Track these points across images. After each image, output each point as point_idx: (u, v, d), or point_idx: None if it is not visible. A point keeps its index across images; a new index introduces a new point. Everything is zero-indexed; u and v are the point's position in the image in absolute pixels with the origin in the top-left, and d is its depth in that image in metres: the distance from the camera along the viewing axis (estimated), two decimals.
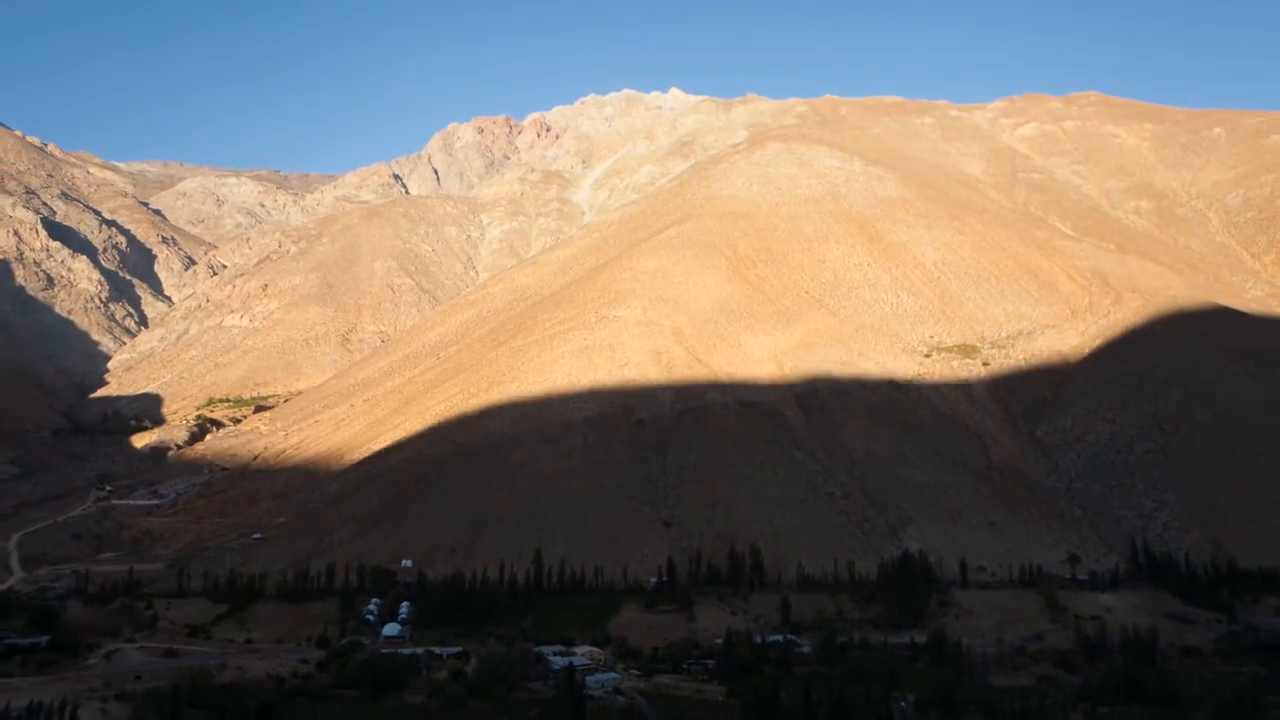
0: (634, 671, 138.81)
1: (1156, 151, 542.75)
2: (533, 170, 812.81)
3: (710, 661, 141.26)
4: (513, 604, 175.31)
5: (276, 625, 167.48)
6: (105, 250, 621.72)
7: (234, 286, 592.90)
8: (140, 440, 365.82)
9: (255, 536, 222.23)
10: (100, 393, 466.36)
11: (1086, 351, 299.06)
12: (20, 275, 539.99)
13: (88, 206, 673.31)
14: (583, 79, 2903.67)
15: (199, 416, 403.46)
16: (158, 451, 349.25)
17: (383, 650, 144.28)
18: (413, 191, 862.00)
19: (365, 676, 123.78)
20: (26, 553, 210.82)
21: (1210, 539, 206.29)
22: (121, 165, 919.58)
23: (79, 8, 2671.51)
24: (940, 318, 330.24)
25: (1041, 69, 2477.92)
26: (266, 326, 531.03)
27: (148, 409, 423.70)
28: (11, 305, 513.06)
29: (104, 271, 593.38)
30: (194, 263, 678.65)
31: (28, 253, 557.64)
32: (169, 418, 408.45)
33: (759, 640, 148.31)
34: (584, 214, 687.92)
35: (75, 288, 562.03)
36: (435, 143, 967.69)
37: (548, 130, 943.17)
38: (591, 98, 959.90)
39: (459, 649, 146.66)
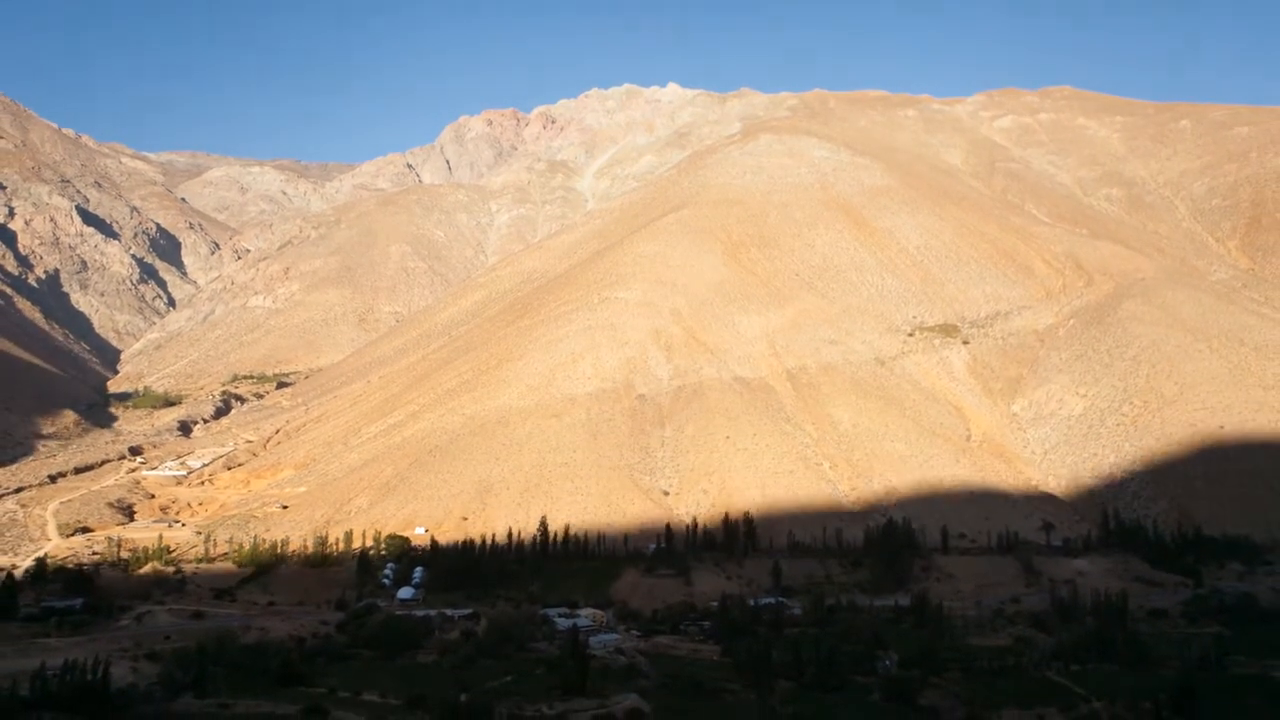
0: (634, 632, 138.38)
1: (1127, 142, 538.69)
2: (539, 160, 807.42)
3: (706, 623, 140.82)
4: (520, 569, 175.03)
5: (297, 589, 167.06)
6: (136, 236, 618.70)
7: (257, 270, 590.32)
8: (168, 415, 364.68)
9: (278, 505, 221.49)
10: (128, 370, 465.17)
11: (1060, 331, 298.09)
12: (56, 259, 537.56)
13: (119, 195, 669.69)
14: (586, 74, 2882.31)
15: (224, 392, 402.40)
16: (185, 425, 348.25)
17: (398, 612, 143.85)
18: (426, 180, 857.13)
19: (381, 637, 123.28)
20: (62, 520, 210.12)
21: (1177, 507, 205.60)
22: (151, 156, 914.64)
23: (111, 6, 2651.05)
24: (923, 299, 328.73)
25: (1018, 64, 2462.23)
26: (288, 307, 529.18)
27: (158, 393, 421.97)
28: (48, 288, 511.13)
29: (134, 256, 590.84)
30: (219, 248, 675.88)
31: (63, 238, 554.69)
32: (195, 394, 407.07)
33: (752, 603, 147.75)
34: (587, 201, 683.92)
35: (108, 271, 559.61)
36: (447, 134, 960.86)
37: (553, 122, 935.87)
38: (594, 92, 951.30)
39: (469, 611, 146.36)
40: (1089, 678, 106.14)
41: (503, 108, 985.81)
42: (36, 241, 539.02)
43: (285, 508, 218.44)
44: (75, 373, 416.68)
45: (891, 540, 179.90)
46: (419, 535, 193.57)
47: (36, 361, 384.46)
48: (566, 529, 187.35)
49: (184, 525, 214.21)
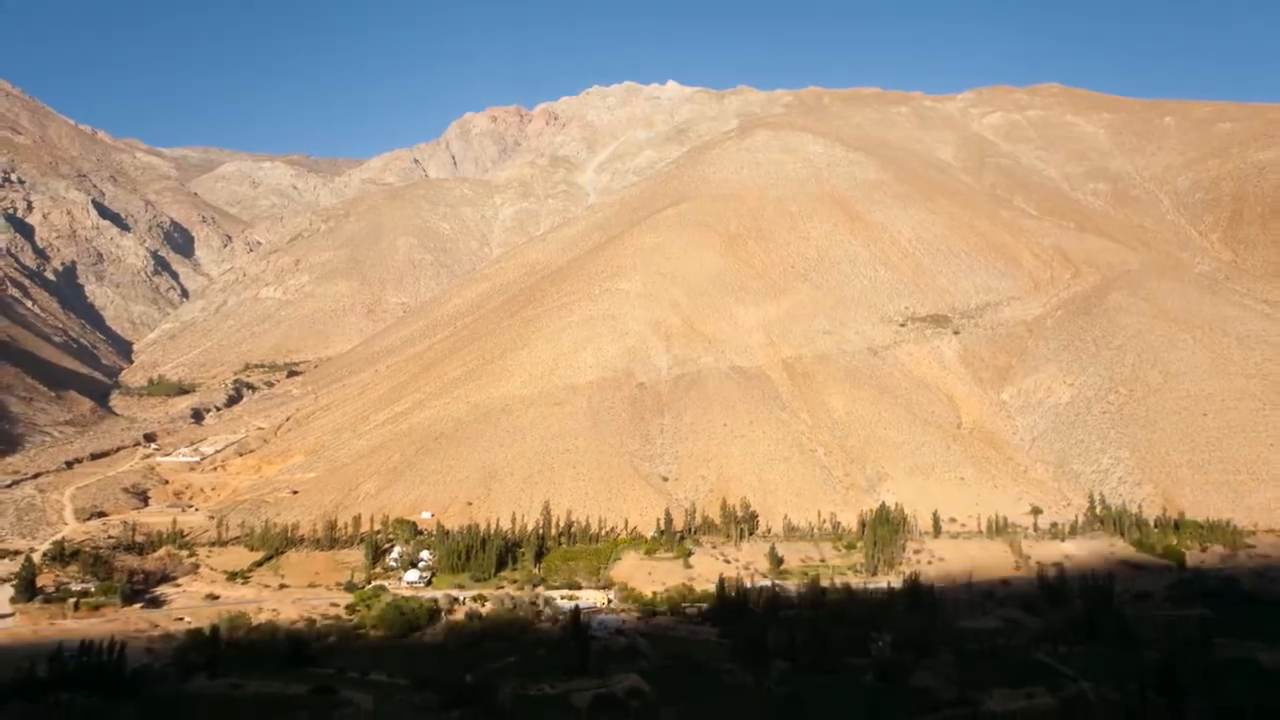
0: (635, 614, 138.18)
1: (1113, 138, 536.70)
2: (542, 155, 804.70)
3: (704, 605, 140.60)
4: (523, 552, 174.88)
5: (308, 571, 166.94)
6: (150, 229, 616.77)
7: (268, 262, 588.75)
8: (182, 403, 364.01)
9: (288, 490, 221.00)
10: (143, 360, 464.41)
11: (1048, 321, 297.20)
12: (73, 252, 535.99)
13: (134, 189, 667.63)
14: (587, 72, 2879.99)
15: (236, 381, 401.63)
16: (198, 413, 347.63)
17: (405, 594, 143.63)
18: (432, 175, 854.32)
19: (389, 618, 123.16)
20: (79, 505, 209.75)
21: (1161, 492, 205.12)
22: (165, 151, 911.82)
23: (127, 6, 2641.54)
24: (914, 290, 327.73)
25: (1009, 62, 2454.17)
26: (298, 298, 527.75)
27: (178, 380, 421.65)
28: (65, 279, 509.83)
29: (149, 248, 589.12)
30: (231, 240, 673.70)
31: (80, 231, 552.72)
32: (208, 382, 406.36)
33: (749, 585, 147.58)
34: (589, 196, 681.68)
35: (123, 263, 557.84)
36: (453, 130, 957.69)
37: (555, 119, 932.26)
38: (595, 89, 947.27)
39: (474, 593, 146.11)
40: (1076, 659, 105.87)
41: (506, 105, 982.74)
42: (54, 234, 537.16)
43: (295, 493, 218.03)
44: (91, 362, 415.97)
45: (884, 525, 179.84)
46: (425, 520, 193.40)
47: (54, 351, 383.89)
48: (568, 513, 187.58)
49: (197, 510, 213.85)
